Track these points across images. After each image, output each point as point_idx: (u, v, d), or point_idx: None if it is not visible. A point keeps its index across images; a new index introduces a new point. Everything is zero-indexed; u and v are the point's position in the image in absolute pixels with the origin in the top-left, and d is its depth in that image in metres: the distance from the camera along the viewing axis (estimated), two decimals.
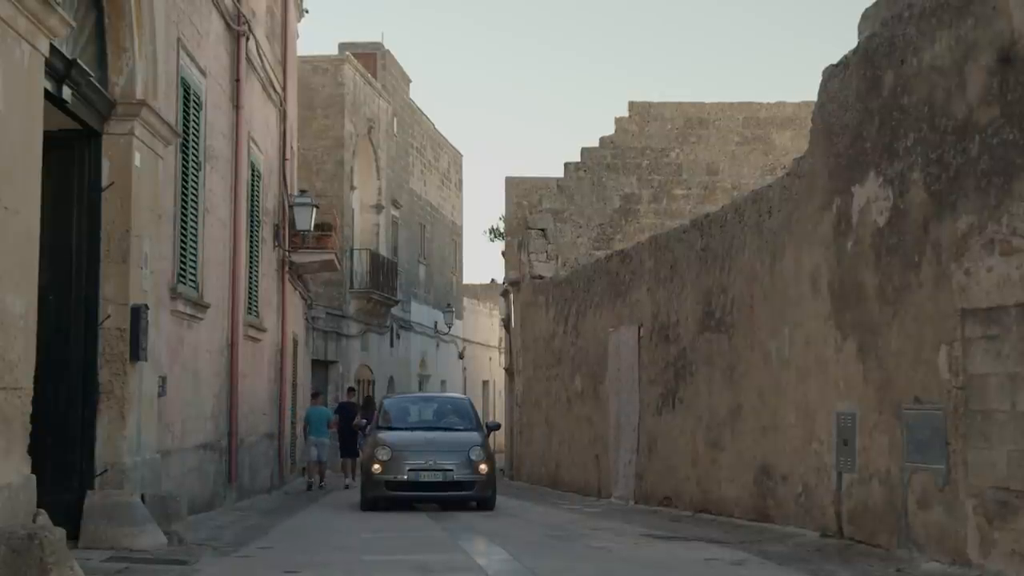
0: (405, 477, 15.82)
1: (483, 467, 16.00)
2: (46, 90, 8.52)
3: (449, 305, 42.69)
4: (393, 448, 16.03)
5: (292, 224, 20.94)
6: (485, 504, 16.16)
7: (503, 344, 42.89)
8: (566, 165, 26.44)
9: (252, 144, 17.27)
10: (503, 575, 9.46)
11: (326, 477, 22.90)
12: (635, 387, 17.30)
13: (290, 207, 20.99)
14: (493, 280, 51.98)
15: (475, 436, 16.77)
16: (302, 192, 22.09)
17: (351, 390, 26.87)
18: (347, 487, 21.77)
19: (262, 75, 18.19)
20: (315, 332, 27.49)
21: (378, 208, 33.96)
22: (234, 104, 16.03)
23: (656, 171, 26.16)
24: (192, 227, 13.49)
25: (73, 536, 9.31)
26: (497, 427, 19.15)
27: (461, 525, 13.66)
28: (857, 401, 10.44)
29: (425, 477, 15.86)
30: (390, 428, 17.15)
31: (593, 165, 26.13)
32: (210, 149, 14.51)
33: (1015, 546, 8.16)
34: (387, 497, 15.94)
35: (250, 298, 17.21)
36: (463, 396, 21.48)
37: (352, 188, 31.75)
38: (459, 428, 17.24)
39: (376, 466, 15.91)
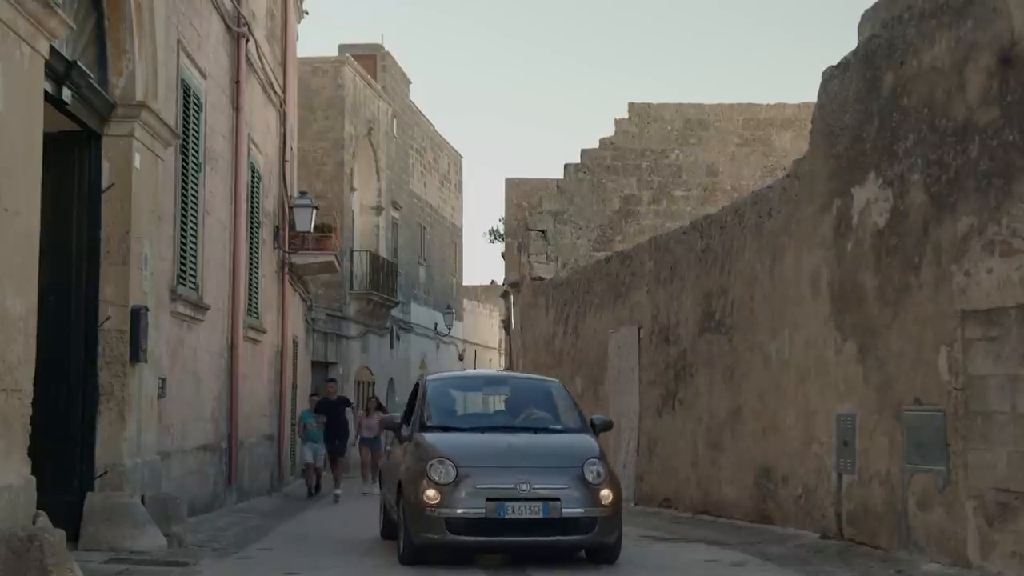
0: (481, 511, 9.50)
1: (606, 494, 9.73)
2: (46, 91, 8.53)
3: (449, 306, 42.70)
4: (457, 463, 9.71)
5: (292, 225, 20.94)
6: (607, 554, 10.00)
7: (503, 345, 42.93)
8: (566, 166, 26.44)
9: (252, 145, 17.27)
10: (500, 574, 9.46)
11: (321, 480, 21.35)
12: (635, 388, 17.30)
13: (290, 208, 20.99)
14: (493, 282, 52.06)
15: (586, 441, 10.47)
16: (302, 193, 22.09)
17: (330, 381, 23.30)
18: (336, 498, 19.39)
19: (262, 77, 18.19)
20: (315, 333, 27.48)
21: (378, 210, 33.96)
22: (234, 106, 16.03)
23: (656, 172, 26.16)
24: (192, 228, 13.49)
25: (73, 537, 9.32)
26: (609, 426, 11.67)
27: None
28: (857, 402, 10.44)
29: (515, 512, 9.53)
30: (442, 428, 10.67)
31: (593, 166, 26.13)
32: (210, 150, 14.51)
33: (1015, 547, 8.16)
34: (449, 544, 9.69)
35: (250, 299, 17.21)
36: (548, 378, 13.08)
37: (352, 189, 31.75)
38: (555, 428, 10.83)
39: (429, 493, 9.59)
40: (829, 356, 11.01)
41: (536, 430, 10.72)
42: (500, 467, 9.82)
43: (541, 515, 9.58)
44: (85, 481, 10.02)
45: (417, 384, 11.90)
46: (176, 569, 9.36)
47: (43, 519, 7.85)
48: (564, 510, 9.60)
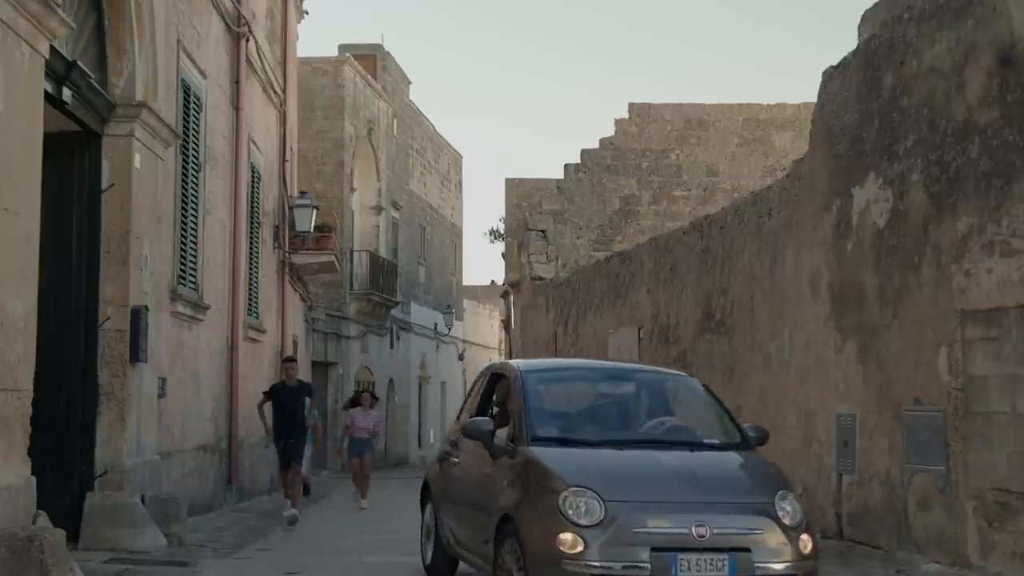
0: (644, 568, 6.84)
1: (806, 540, 7.18)
2: (46, 92, 8.53)
3: (449, 307, 42.69)
4: (603, 495, 7.02)
5: (292, 225, 20.93)
6: None
7: (503, 346, 42.90)
8: (566, 166, 26.46)
9: (252, 145, 17.26)
10: None
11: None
12: None
13: (290, 208, 20.98)
14: (493, 282, 52.05)
15: (765, 464, 7.98)
16: (302, 193, 22.08)
17: (288, 360, 16.30)
18: (292, 522, 13.98)
19: (262, 77, 18.19)
20: (315, 334, 27.48)
21: (378, 209, 33.96)
22: (234, 106, 16.03)
23: (656, 172, 26.18)
24: (192, 228, 13.49)
25: (73, 537, 9.32)
26: (765, 439, 8.36)
27: None
28: (857, 403, 10.44)
29: (690, 568, 6.88)
30: (560, 441, 7.78)
31: (593, 166, 26.15)
32: (210, 150, 14.51)
33: (1015, 548, 8.16)
34: None
35: (250, 300, 17.20)
36: (681, 372, 10.40)
37: (352, 189, 31.75)
38: (711, 443, 8.07)
39: (565, 538, 6.88)
40: (829, 356, 11.01)
41: (689, 445, 7.90)
42: (663, 502, 7.09)
43: (727, 574, 6.93)
44: (85, 481, 10.02)
45: (497, 375, 9.08)
46: (176, 569, 9.36)
47: (43, 519, 7.85)
48: (757, 565, 6.95)
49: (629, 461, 7.51)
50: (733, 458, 7.83)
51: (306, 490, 15.95)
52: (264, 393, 15.16)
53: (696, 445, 7.93)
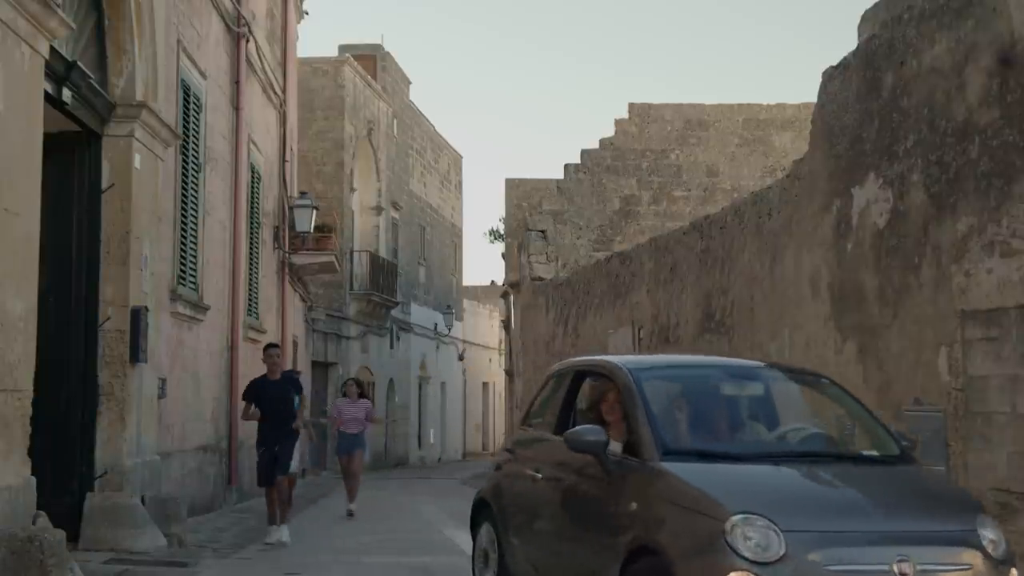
0: None
1: (1015, 575, 6.11)
2: (46, 92, 8.53)
3: (449, 307, 42.71)
4: (778, 523, 5.60)
5: (292, 226, 20.95)
6: None
7: (503, 346, 42.90)
8: (566, 167, 26.46)
9: (252, 146, 17.27)
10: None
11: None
12: None
13: (290, 209, 21.00)
14: (493, 282, 52.05)
15: (946, 482, 7.78)
16: (302, 194, 22.10)
17: (270, 347, 13.20)
18: (279, 541, 11.67)
19: (262, 77, 18.20)
20: (315, 334, 27.49)
21: (378, 210, 33.98)
22: (234, 106, 16.04)
23: (656, 173, 26.18)
24: (192, 229, 13.49)
25: (73, 538, 9.32)
26: (914, 448, 7.27)
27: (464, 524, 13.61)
28: None
29: None
30: (700, 455, 6.34)
31: (593, 167, 26.16)
32: (210, 151, 14.51)
33: (1015, 548, 8.16)
34: None
35: (250, 300, 17.21)
36: (815, 371, 8.75)
37: (352, 190, 31.76)
38: (870, 456, 6.83)
39: None
40: (829, 356, 11.01)
41: (850, 459, 6.71)
42: (853, 531, 5.74)
43: None
44: (85, 481, 10.02)
45: (583, 373, 7.70)
46: (176, 569, 9.37)
47: (43, 519, 7.85)
48: None
49: (794, 480, 6.22)
50: (908, 474, 6.58)
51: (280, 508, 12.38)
52: (244, 396, 12.59)
53: (856, 459, 6.72)
